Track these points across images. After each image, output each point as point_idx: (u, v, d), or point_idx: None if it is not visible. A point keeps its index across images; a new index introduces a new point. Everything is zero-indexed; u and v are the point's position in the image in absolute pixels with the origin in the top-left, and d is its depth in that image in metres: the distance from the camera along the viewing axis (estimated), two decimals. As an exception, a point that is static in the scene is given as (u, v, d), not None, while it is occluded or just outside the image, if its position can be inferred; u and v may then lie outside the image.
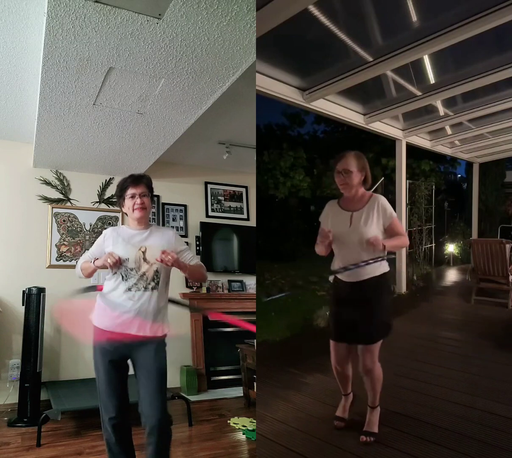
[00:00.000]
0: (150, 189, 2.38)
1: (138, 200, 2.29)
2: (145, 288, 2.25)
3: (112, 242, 2.31)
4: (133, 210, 2.30)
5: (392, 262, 2.34)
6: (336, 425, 2.22)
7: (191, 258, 2.38)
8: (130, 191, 2.31)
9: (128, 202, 2.31)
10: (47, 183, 4.61)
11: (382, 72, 3.22)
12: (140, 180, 2.34)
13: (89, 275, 2.39)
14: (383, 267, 2.15)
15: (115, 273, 2.26)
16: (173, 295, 2.61)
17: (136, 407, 2.25)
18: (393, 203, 5.51)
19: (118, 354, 2.26)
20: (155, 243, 2.30)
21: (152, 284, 2.27)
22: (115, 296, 2.26)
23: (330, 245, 2.14)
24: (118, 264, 2.20)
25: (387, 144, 7.42)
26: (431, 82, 3.61)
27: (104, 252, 2.29)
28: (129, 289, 2.24)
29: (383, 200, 2.10)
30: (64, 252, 4.61)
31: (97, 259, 2.27)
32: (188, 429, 3.57)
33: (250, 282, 5.40)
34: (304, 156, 9.67)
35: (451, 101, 4.22)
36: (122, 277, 2.25)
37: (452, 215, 9.78)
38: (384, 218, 2.08)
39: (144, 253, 2.27)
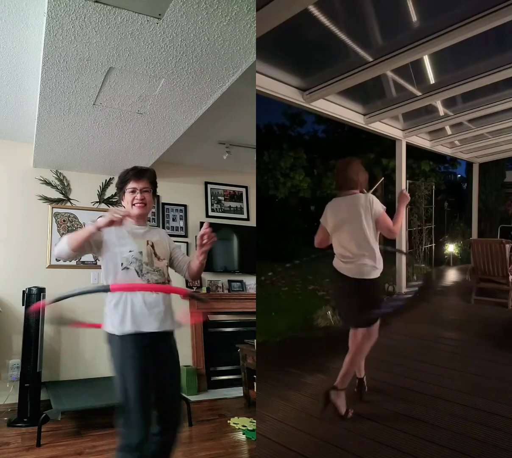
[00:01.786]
0: (154, 184, 2.25)
1: (138, 196, 2.15)
2: (163, 283, 2.17)
3: (114, 231, 2.06)
4: (132, 205, 2.16)
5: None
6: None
7: (183, 255, 2.34)
8: (131, 185, 2.16)
9: (128, 197, 2.17)
10: (47, 183, 4.61)
11: (382, 72, 3.22)
12: (143, 174, 2.21)
13: (78, 246, 1.98)
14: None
15: (126, 268, 2.07)
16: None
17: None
18: (393, 203, 5.53)
19: (150, 347, 2.06)
20: (157, 240, 2.22)
21: (170, 278, 2.24)
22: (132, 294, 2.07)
23: None
24: (124, 220, 1.95)
25: (387, 145, 7.42)
26: (431, 82, 3.61)
27: (100, 236, 2.06)
28: None
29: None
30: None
31: (101, 216, 1.95)
32: (188, 429, 3.57)
33: (250, 282, 5.40)
34: (304, 157, 9.68)
35: (451, 101, 4.22)
36: (137, 272, 2.08)
37: (452, 215, 9.78)
38: None
39: (153, 247, 2.17)
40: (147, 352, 2.03)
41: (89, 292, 2.04)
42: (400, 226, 2.34)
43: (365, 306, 2.25)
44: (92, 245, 2.06)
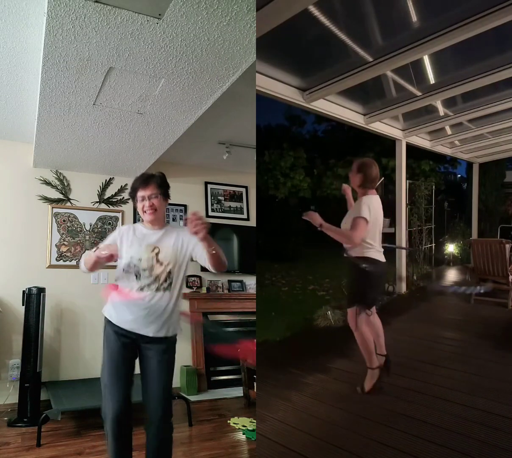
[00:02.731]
0: (163, 187, 2.32)
1: (147, 203, 2.26)
2: (157, 289, 2.24)
3: (126, 240, 2.30)
4: (143, 212, 2.29)
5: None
6: None
7: (203, 250, 2.23)
8: (140, 193, 2.27)
9: (139, 205, 2.29)
10: (47, 183, 4.61)
11: (382, 72, 3.22)
12: (149, 181, 2.29)
13: (92, 268, 2.29)
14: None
15: (128, 271, 2.25)
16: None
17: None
18: (393, 203, 5.53)
19: (131, 343, 2.26)
20: (169, 244, 2.28)
21: (165, 284, 2.25)
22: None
23: None
24: (109, 258, 2.18)
25: (387, 144, 7.42)
26: (431, 82, 3.62)
27: (118, 247, 2.28)
28: (141, 289, 2.24)
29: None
30: (64, 252, 4.61)
31: (98, 248, 2.23)
32: (188, 429, 3.57)
33: (250, 282, 5.40)
34: (304, 156, 9.69)
35: (451, 101, 4.22)
36: (136, 276, 2.25)
37: (452, 215, 9.79)
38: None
39: (157, 254, 2.26)
40: (126, 343, 2.24)
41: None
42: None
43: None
44: (105, 262, 2.26)
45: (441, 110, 4.48)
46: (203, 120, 3.48)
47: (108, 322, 2.29)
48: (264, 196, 9.43)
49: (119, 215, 4.90)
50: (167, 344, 2.28)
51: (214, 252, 2.19)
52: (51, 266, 4.52)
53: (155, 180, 2.30)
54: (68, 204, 4.69)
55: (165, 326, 2.25)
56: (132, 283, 2.25)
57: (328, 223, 2.44)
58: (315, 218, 2.42)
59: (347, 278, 2.86)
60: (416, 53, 2.86)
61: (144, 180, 2.30)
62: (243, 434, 3.45)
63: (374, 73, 3.14)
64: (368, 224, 2.43)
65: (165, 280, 2.26)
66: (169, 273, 2.26)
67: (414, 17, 2.56)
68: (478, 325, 4.00)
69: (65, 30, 2.21)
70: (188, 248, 2.30)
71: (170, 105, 3.13)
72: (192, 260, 2.35)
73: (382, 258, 2.59)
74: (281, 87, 3.30)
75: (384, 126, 4.84)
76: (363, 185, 2.55)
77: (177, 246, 2.29)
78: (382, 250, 2.61)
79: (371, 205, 2.49)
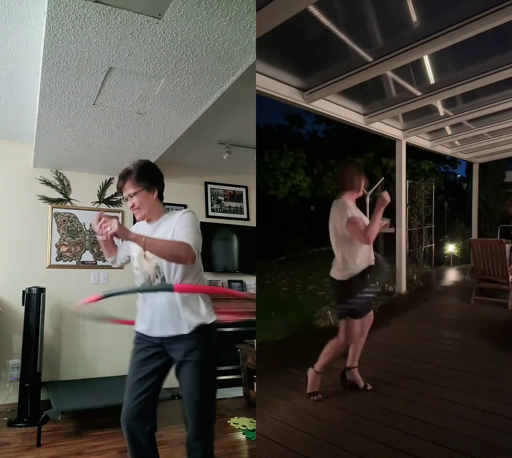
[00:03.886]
0: (144, 180, 2.12)
1: (129, 203, 2.14)
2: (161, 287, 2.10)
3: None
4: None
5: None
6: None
7: (182, 236, 2.02)
8: (123, 193, 2.17)
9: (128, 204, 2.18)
10: (47, 183, 4.61)
11: (382, 72, 3.22)
12: (125, 179, 2.15)
13: (108, 254, 2.29)
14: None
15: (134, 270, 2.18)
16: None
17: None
18: (393, 203, 5.53)
19: (154, 347, 2.12)
20: (159, 235, 2.07)
21: (157, 280, 2.09)
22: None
23: None
24: (111, 240, 2.15)
25: (387, 144, 7.42)
26: (431, 82, 3.61)
27: (128, 247, 2.23)
28: None
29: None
30: (64, 252, 4.61)
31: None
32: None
33: (250, 282, 5.40)
34: (304, 157, 9.68)
35: (451, 102, 4.22)
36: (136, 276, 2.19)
37: (452, 215, 9.79)
38: None
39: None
40: (143, 348, 2.12)
41: (150, 290, 2.13)
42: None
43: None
44: (112, 242, 2.25)
45: (441, 110, 4.47)
46: (203, 120, 3.48)
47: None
48: (264, 196, 9.43)
49: (119, 215, 4.90)
50: (192, 343, 2.05)
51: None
52: (51, 266, 4.52)
53: (132, 177, 2.13)
54: (68, 204, 4.69)
55: (174, 323, 2.06)
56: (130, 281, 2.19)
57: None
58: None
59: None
60: (416, 53, 2.86)
61: (120, 178, 2.17)
62: (243, 434, 3.45)
63: (374, 73, 3.13)
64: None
65: (156, 276, 2.09)
66: (157, 267, 2.08)
67: (414, 17, 2.56)
68: (478, 325, 4.00)
69: (65, 30, 2.21)
70: (176, 235, 2.04)
71: (170, 105, 3.13)
72: None
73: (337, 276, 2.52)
74: (281, 87, 3.30)
75: (384, 126, 4.84)
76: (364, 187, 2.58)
77: (166, 235, 2.06)
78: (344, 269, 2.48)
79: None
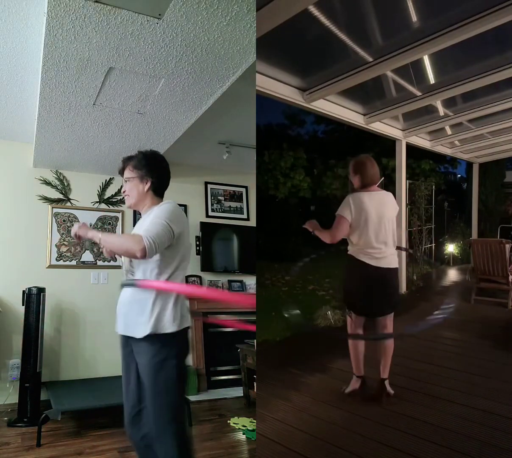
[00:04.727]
0: (141, 168, 2.09)
1: (123, 188, 2.14)
2: (126, 284, 2.02)
3: None
4: None
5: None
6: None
7: (145, 228, 1.91)
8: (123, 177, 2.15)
9: None
10: (47, 183, 4.61)
11: (382, 72, 3.22)
12: (125, 164, 2.14)
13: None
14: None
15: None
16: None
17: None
18: (393, 203, 5.52)
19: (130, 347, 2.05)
20: (141, 227, 1.98)
21: (130, 276, 2.03)
22: None
23: None
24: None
25: (387, 144, 7.42)
26: (431, 82, 3.61)
27: None
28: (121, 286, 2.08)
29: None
30: (64, 252, 4.61)
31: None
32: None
33: (250, 282, 5.40)
34: (304, 157, 9.68)
35: (451, 102, 4.22)
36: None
37: (452, 215, 9.79)
38: None
39: None
40: (127, 349, 2.05)
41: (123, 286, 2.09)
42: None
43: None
44: None
45: (441, 110, 4.47)
46: (203, 120, 3.48)
47: None
48: (264, 196, 9.42)
49: (119, 215, 4.90)
50: (148, 349, 1.91)
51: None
52: (51, 266, 4.52)
53: (131, 162, 2.13)
54: (68, 204, 4.69)
55: (132, 324, 1.96)
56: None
57: (328, 223, 2.44)
58: (311, 225, 2.47)
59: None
60: (416, 53, 2.86)
61: (122, 162, 2.17)
62: (243, 434, 3.45)
63: (374, 73, 3.13)
64: (351, 223, 2.38)
65: (129, 271, 2.03)
66: (130, 261, 2.01)
67: (414, 17, 2.56)
68: (478, 325, 4.00)
69: (65, 30, 2.21)
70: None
71: (170, 105, 3.13)
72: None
73: (373, 262, 2.40)
74: (281, 87, 3.30)
75: (384, 126, 4.84)
76: (363, 185, 2.49)
77: (141, 229, 1.96)
78: (382, 254, 2.40)
79: (358, 203, 2.38)
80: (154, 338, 1.91)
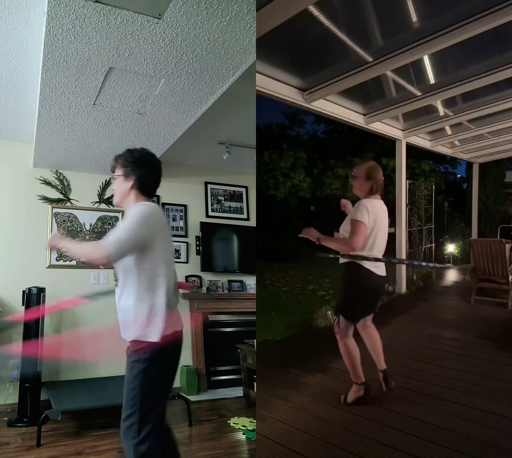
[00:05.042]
0: (128, 165, 2.06)
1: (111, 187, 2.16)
2: (116, 285, 2.02)
3: None
4: None
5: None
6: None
7: (113, 235, 1.90)
8: None
9: None
10: (47, 183, 4.61)
11: (382, 72, 3.22)
12: (115, 160, 2.12)
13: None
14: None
15: None
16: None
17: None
18: (393, 203, 5.53)
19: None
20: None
21: (115, 281, 2.01)
22: None
23: None
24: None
25: (387, 144, 7.42)
26: (431, 82, 3.62)
27: None
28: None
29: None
30: (64, 252, 4.60)
31: None
32: (188, 429, 3.57)
33: (250, 282, 5.40)
34: (304, 157, 9.68)
35: (451, 102, 4.23)
36: None
37: (452, 215, 9.79)
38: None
39: None
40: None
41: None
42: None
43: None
44: None
45: (441, 110, 4.48)
46: (203, 120, 3.48)
47: None
48: (264, 196, 9.43)
49: (119, 215, 4.90)
50: (139, 350, 1.91)
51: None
52: (51, 266, 4.52)
53: (119, 160, 2.10)
54: (68, 204, 4.69)
55: (125, 327, 1.99)
56: None
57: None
58: (311, 233, 2.32)
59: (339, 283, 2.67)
60: (416, 53, 2.86)
61: (113, 161, 2.13)
62: (243, 434, 3.45)
63: (374, 73, 3.14)
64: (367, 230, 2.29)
65: (115, 278, 2.01)
66: (115, 269, 2.00)
67: (414, 17, 2.57)
68: (478, 325, 3.99)
69: (65, 30, 2.21)
70: None
71: (170, 105, 3.13)
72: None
73: (376, 270, 2.35)
74: (281, 87, 3.30)
75: (384, 126, 4.84)
76: (374, 191, 2.38)
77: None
78: (381, 262, 2.37)
79: (372, 209, 2.31)
80: (137, 345, 1.92)
